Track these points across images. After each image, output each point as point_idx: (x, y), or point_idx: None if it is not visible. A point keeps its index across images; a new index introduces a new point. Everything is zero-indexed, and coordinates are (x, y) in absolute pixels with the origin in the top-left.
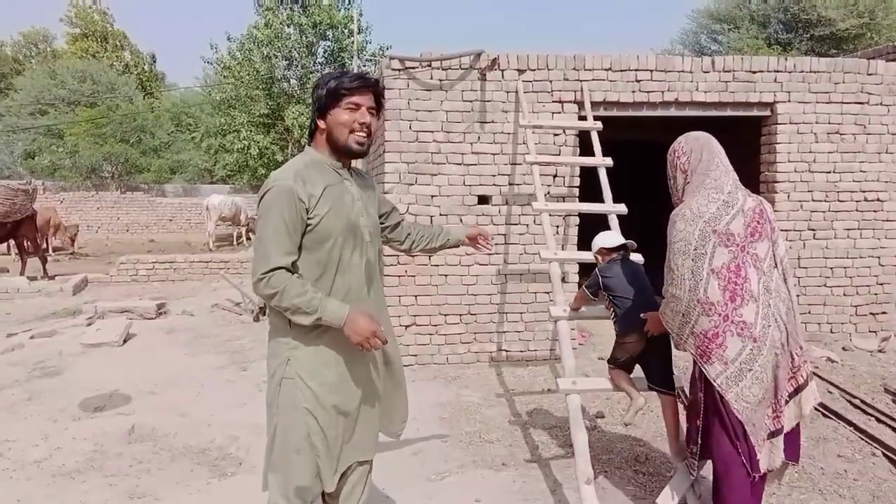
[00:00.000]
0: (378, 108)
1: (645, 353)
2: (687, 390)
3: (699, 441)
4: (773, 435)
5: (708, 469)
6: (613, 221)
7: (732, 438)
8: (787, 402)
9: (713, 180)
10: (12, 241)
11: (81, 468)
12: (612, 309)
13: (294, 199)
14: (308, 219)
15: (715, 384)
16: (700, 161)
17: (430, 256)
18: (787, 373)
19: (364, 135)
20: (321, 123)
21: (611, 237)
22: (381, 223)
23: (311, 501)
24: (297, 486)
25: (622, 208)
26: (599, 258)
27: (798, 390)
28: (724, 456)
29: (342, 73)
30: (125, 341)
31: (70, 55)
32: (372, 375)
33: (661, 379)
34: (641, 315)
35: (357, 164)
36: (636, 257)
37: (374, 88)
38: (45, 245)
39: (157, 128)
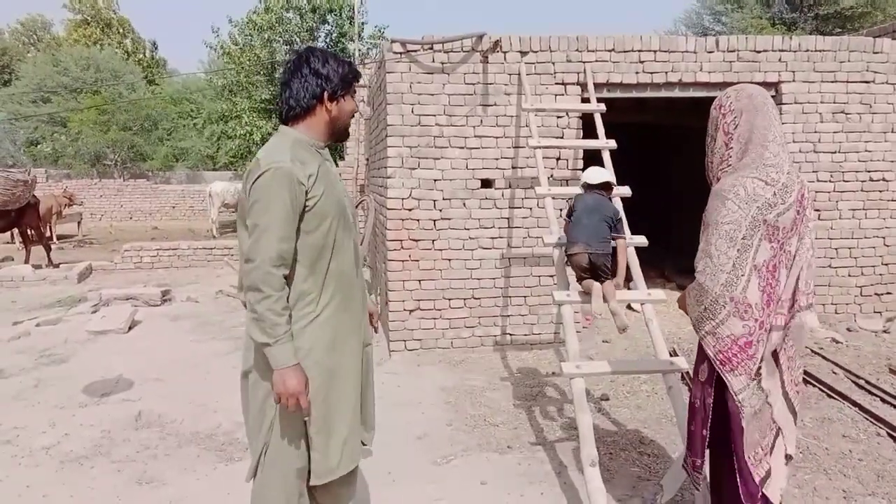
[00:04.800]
0: None
1: (594, 268)
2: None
3: (705, 453)
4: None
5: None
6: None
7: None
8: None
9: (773, 155)
10: (16, 231)
11: (89, 454)
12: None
13: (294, 183)
14: (307, 200)
15: (736, 398)
16: (753, 129)
17: (433, 241)
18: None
19: None
20: (330, 106)
21: (594, 174)
22: None
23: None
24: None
25: (626, 190)
26: (582, 190)
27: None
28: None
29: (342, 58)
30: (130, 328)
31: (71, 42)
32: (359, 364)
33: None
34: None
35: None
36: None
37: None
38: (48, 233)
39: (162, 118)
